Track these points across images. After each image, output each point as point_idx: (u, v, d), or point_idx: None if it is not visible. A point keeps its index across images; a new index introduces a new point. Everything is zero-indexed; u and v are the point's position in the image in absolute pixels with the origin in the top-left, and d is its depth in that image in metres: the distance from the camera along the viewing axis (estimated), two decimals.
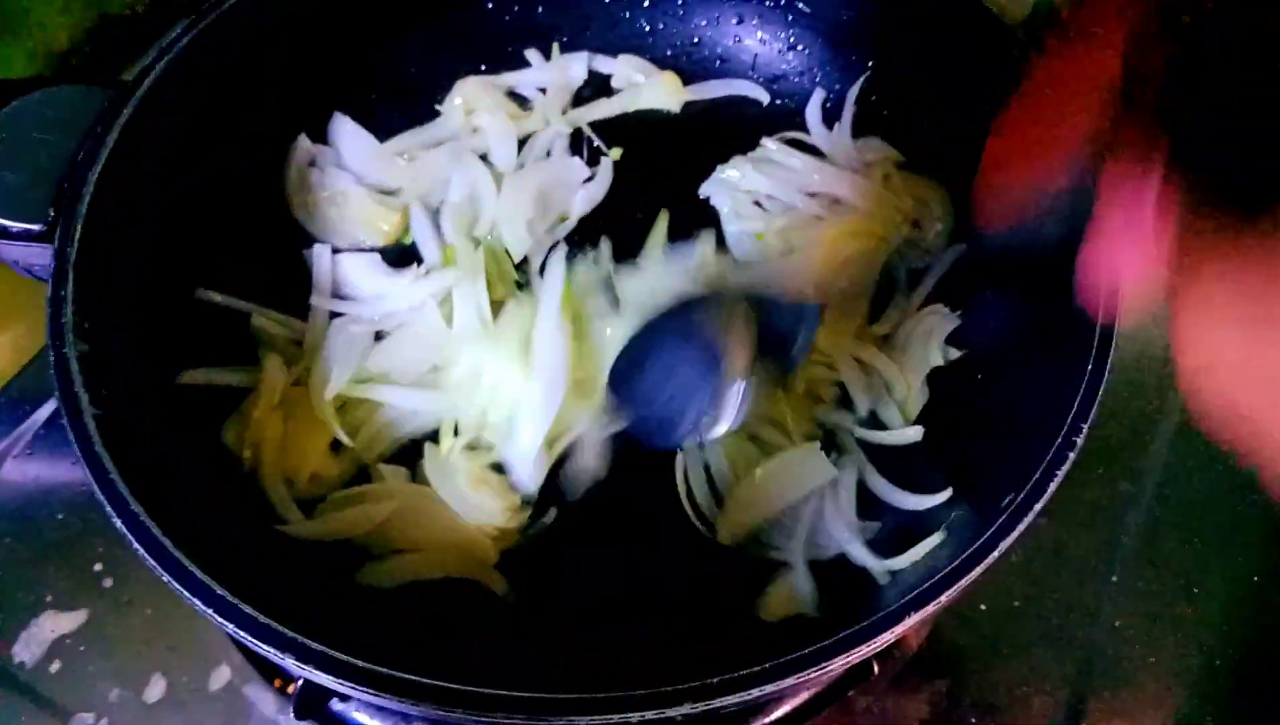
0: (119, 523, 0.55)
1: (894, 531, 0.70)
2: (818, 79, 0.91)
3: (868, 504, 0.71)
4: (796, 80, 0.92)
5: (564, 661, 0.64)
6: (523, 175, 0.85)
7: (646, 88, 0.92)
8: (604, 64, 0.93)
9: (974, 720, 0.74)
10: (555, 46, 0.93)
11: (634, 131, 0.91)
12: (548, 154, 0.88)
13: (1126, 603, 0.80)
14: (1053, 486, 0.58)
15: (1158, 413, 0.88)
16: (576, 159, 0.88)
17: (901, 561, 0.66)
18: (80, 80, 0.75)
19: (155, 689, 0.73)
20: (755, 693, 0.52)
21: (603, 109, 0.91)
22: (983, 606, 0.78)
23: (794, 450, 0.72)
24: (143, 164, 0.70)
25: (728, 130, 0.89)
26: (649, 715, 0.50)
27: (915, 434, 0.73)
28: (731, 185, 0.84)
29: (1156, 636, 0.79)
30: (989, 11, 0.76)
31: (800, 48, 0.92)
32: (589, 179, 0.87)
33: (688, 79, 0.93)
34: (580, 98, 0.92)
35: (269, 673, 0.73)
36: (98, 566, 0.77)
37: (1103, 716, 0.75)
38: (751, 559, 0.70)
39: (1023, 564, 0.80)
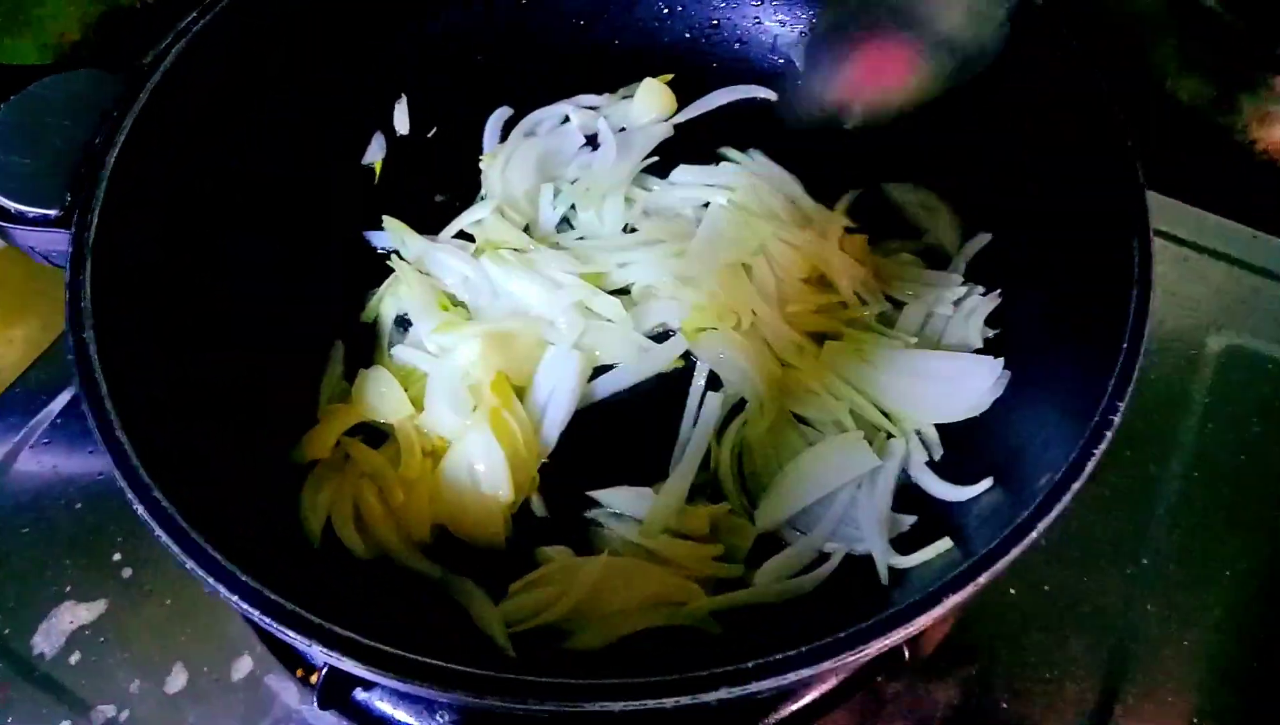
0: (141, 510, 0.54)
1: (913, 525, 0.69)
2: None
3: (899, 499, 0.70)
4: None
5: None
6: (522, 150, 0.86)
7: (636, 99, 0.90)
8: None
9: (1005, 705, 0.73)
10: None
11: None
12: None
13: (1158, 587, 0.78)
14: (1091, 464, 0.57)
15: (1184, 395, 0.87)
16: (572, 126, 0.88)
17: (909, 560, 0.65)
18: (92, 65, 0.74)
19: (176, 680, 0.72)
20: (791, 677, 0.51)
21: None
22: (1012, 591, 0.77)
23: (838, 437, 0.71)
24: (159, 148, 0.70)
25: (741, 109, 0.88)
26: (684, 700, 0.50)
27: None
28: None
29: (1189, 621, 0.77)
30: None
31: None
32: (585, 145, 0.88)
33: (705, 62, 0.92)
34: None
35: (291, 662, 0.72)
36: (116, 556, 0.77)
37: (1136, 701, 0.74)
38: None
39: (1051, 548, 0.79)
